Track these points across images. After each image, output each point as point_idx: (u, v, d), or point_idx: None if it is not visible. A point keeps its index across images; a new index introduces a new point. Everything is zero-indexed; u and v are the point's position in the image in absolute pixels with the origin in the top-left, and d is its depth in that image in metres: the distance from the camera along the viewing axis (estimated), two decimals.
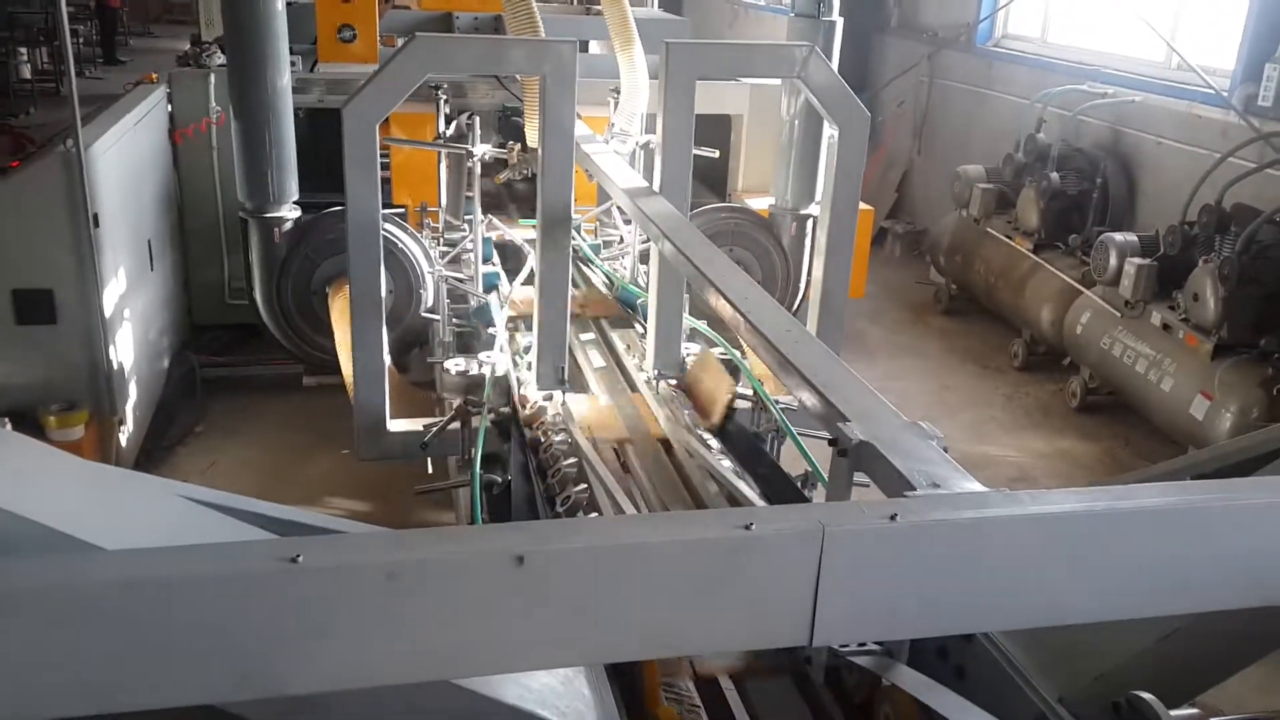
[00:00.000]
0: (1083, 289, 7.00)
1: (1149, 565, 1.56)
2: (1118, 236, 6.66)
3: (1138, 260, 6.39)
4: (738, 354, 3.93)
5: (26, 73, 15.30)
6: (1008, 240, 7.93)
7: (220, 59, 6.40)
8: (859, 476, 1.90)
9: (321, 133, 6.29)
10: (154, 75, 6.75)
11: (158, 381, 6.10)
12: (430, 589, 1.32)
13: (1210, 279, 5.85)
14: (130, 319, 5.47)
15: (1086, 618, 1.60)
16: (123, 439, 5.27)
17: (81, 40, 18.23)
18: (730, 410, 3.45)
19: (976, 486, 1.69)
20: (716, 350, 4.02)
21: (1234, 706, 2.12)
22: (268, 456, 5.84)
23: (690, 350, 4.01)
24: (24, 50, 15.41)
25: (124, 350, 5.34)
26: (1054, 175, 7.60)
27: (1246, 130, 6.44)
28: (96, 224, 4.90)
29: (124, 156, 5.51)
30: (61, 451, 1.69)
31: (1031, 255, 7.66)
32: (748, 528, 1.39)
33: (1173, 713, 1.56)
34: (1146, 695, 1.59)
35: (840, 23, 5.22)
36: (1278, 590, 1.61)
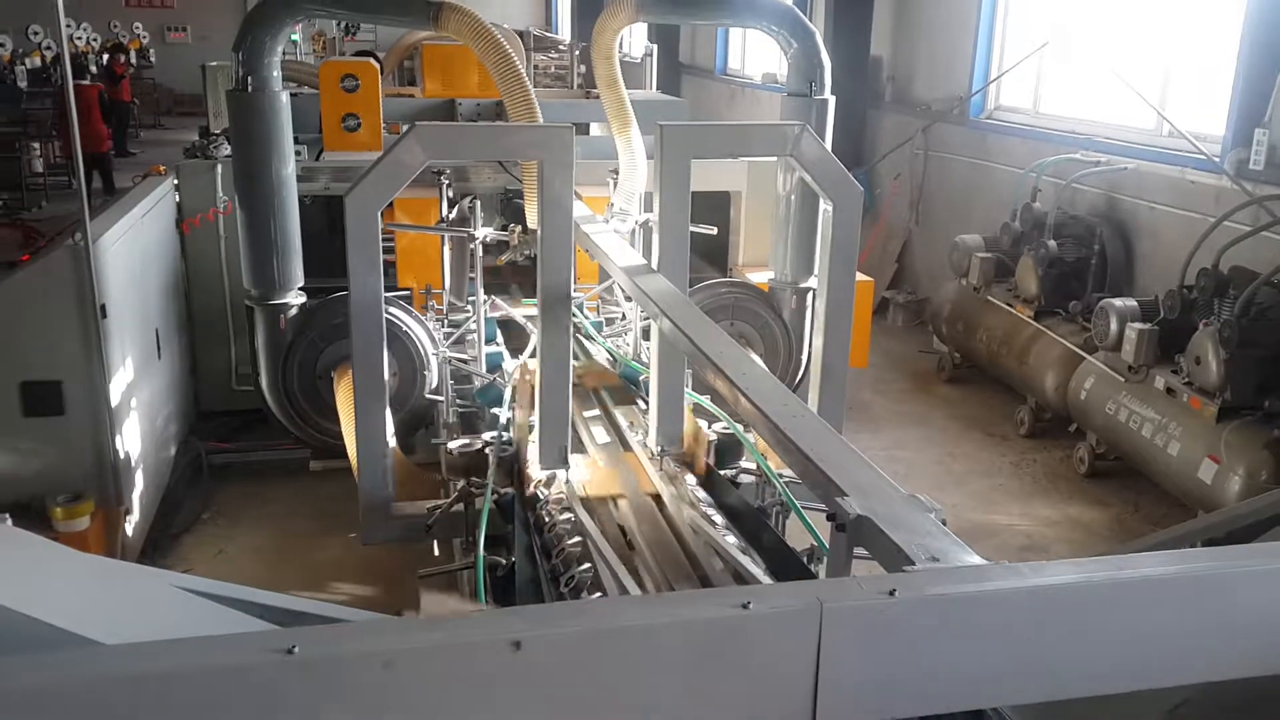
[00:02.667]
0: (1085, 355, 7.01)
1: (1154, 635, 1.55)
2: (1117, 302, 6.69)
3: (1138, 325, 6.41)
4: (739, 428, 3.93)
5: (39, 166, 15.58)
6: (1008, 308, 7.97)
7: (227, 150, 6.53)
8: (862, 549, 1.89)
9: (332, 217, 6.38)
10: (162, 167, 6.88)
11: (164, 469, 6.11)
12: (427, 677, 1.31)
13: (1211, 342, 5.86)
14: (137, 408, 5.51)
15: (1093, 690, 1.58)
16: (129, 529, 5.26)
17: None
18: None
19: (976, 560, 1.68)
20: (719, 425, 4.03)
21: None
22: (275, 542, 5.82)
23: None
24: (36, 145, 15.71)
25: (130, 439, 5.37)
26: (1051, 243, 7.67)
27: (1239, 194, 6.51)
28: (104, 315, 4.96)
29: (132, 247, 5.60)
30: (59, 545, 1.69)
31: (1033, 322, 7.69)
32: (745, 606, 1.39)
33: None
34: None
35: (832, 100, 5.32)
36: None
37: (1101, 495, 6.73)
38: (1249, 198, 6.41)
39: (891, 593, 1.44)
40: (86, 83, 15.77)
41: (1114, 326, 6.58)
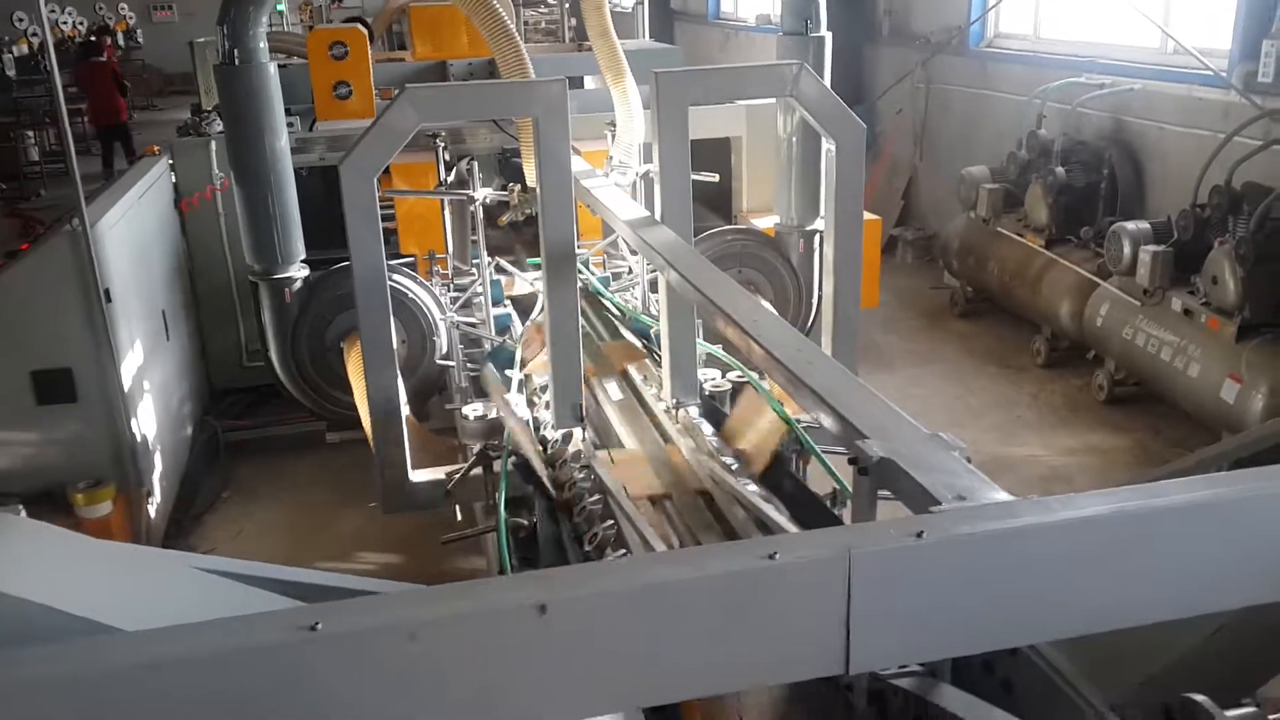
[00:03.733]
0: (1099, 280, 6.94)
1: (1188, 563, 1.52)
2: (1130, 225, 6.61)
3: (1152, 248, 6.34)
4: (754, 374, 3.89)
5: (35, 155, 15.52)
6: (1019, 238, 7.89)
7: (220, 126, 6.47)
8: (885, 492, 1.86)
9: (330, 188, 6.32)
10: (155, 148, 6.82)
11: (182, 450, 6.12)
12: (453, 646, 1.29)
13: (1227, 260, 5.78)
14: (150, 390, 5.50)
15: (1128, 621, 1.56)
16: (151, 511, 5.29)
17: (85, 119, 18.49)
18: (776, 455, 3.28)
19: (1003, 496, 1.65)
20: (732, 374, 3.99)
21: None
22: (296, 516, 5.84)
23: (708, 377, 3.99)
24: (31, 133, 15.64)
25: (146, 422, 5.37)
26: (1059, 170, 7.56)
27: (1249, 109, 6.40)
28: (109, 299, 4.94)
29: (131, 230, 5.57)
30: (75, 533, 1.68)
31: (1044, 251, 7.61)
32: (772, 557, 1.36)
33: (1228, 713, 1.51)
34: (1199, 697, 1.54)
35: (829, 37, 5.22)
36: None
37: (1122, 422, 6.69)
38: (1259, 111, 6.29)
39: (919, 535, 1.41)
40: (102, 59, 15.93)
41: (1127, 250, 6.50)
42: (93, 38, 19.23)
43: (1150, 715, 1.68)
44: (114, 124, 15.45)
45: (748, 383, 3.78)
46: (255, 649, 1.25)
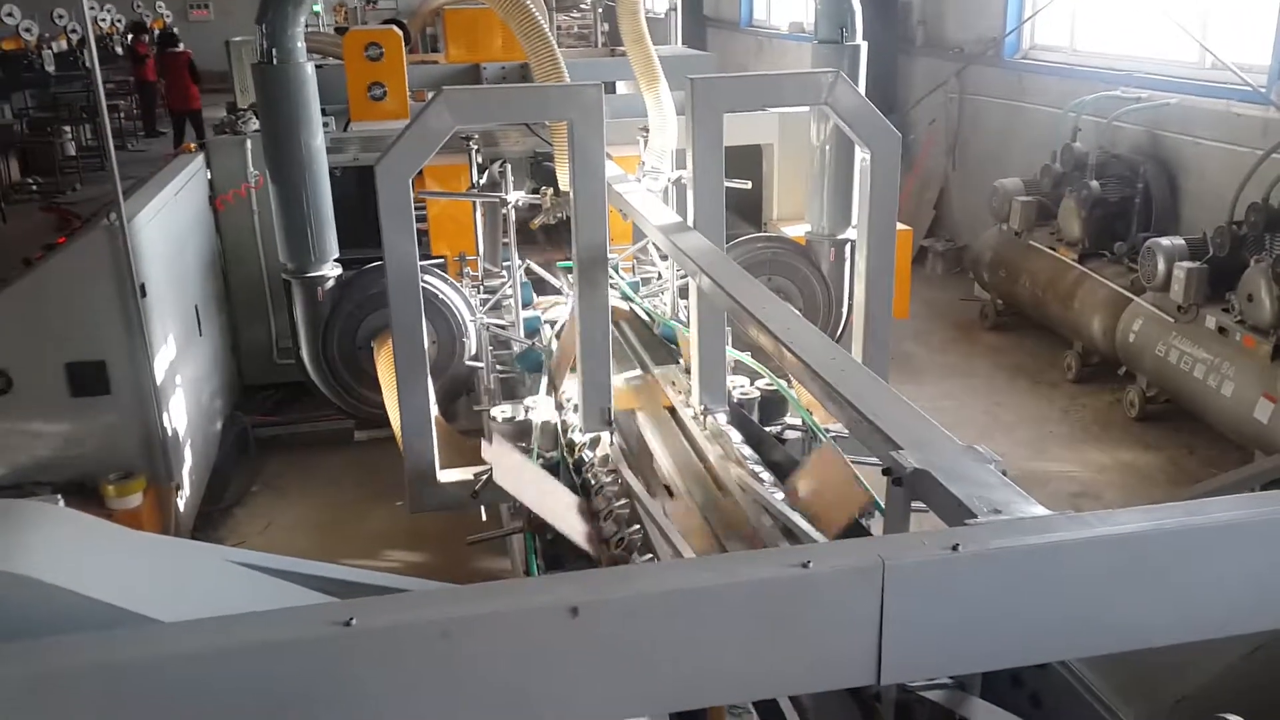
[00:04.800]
0: (1133, 296, 6.88)
1: (1226, 582, 1.51)
2: (1164, 241, 6.54)
3: (1187, 264, 6.27)
4: (783, 383, 3.89)
5: (72, 150, 15.71)
6: (1051, 251, 7.83)
7: (255, 125, 6.52)
8: (917, 503, 1.85)
9: (364, 188, 6.36)
10: (192, 145, 6.89)
11: (212, 444, 6.17)
12: (486, 645, 1.30)
13: (1264, 278, 5.72)
14: (182, 384, 5.56)
15: (1163, 640, 1.54)
16: (180, 504, 5.33)
17: (123, 115, 18.71)
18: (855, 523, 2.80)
19: (1040, 510, 1.64)
20: (761, 381, 3.98)
21: None
22: (324, 513, 5.88)
23: (737, 384, 3.98)
24: (68, 128, 15.84)
25: (177, 416, 5.42)
26: (1094, 183, 7.50)
27: None
28: (144, 293, 5.00)
29: (167, 226, 5.62)
30: (111, 524, 1.69)
31: (1077, 265, 7.55)
32: (805, 566, 1.36)
33: None
34: (1233, 718, 1.52)
35: (864, 46, 5.20)
36: None
37: (1154, 439, 6.62)
38: None
39: (954, 547, 1.40)
40: (179, 50, 17.12)
41: (1161, 266, 6.44)
42: (129, 35, 19.54)
43: None
44: (187, 109, 16.74)
45: (826, 446, 3.37)
46: (291, 643, 1.26)
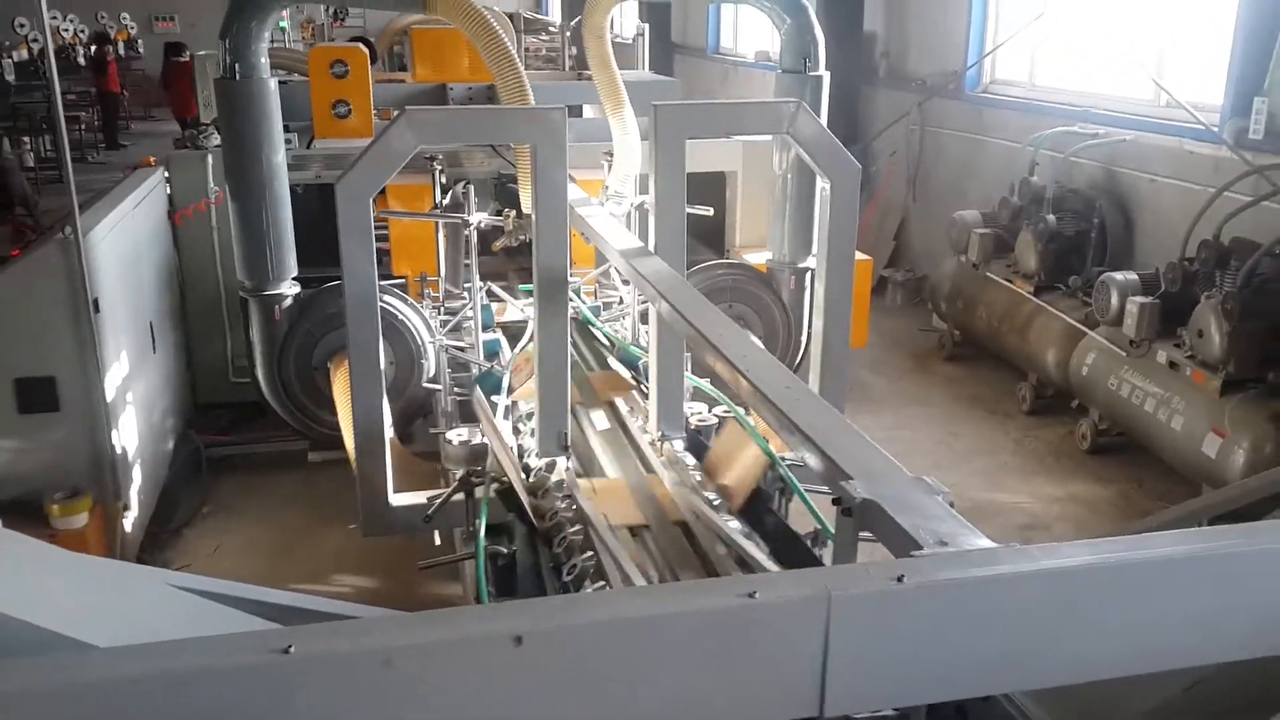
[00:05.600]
0: (1086, 330, 6.98)
1: (1167, 616, 1.52)
2: (1118, 276, 6.65)
3: (1140, 299, 6.38)
4: (741, 410, 3.90)
5: (30, 161, 15.50)
6: (1008, 284, 7.93)
7: (217, 140, 6.47)
8: (868, 533, 1.86)
9: (325, 206, 6.33)
10: (152, 159, 6.83)
11: (162, 464, 6.08)
12: (427, 674, 1.28)
13: (1214, 315, 5.82)
14: (133, 402, 5.47)
15: (1105, 674, 1.56)
16: (127, 525, 5.24)
17: (83, 127, 18.51)
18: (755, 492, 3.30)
19: (985, 543, 1.65)
20: (719, 408, 3.99)
21: None
22: (274, 535, 5.80)
23: (695, 410, 3.99)
24: (27, 139, 15.63)
25: (127, 434, 5.33)
26: (1050, 217, 7.62)
27: (1239, 164, 6.47)
28: (97, 309, 4.92)
29: (123, 240, 5.55)
30: (51, 546, 1.66)
31: (1033, 298, 7.66)
32: (751, 596, 1.36)
33: None
34: None
35: (827, 77, 5.27)
36: None
37: (1105, 472, 6.71)
38: (1249, 167, 6.36)
39: (900, 579, 1.41)
40: (185, 59, 17.55)
41: (1115, 301, 6.54)
42: (92, 46, 19.38)
43: None
44: (191, 116, 16.96)
45: (731, 416, 3.77)
46: (227, 670, 1.23)
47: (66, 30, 23.72)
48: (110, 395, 5.05)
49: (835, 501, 1.84)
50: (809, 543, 3.07)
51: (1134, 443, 6.64)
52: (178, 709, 1.22)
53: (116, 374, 5.20)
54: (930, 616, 1.43)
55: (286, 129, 5.23)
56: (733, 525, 3.03)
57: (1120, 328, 6.51)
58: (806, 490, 3.29)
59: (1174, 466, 6.21)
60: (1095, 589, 1.48)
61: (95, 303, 4.89)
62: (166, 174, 6.63)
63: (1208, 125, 6.87)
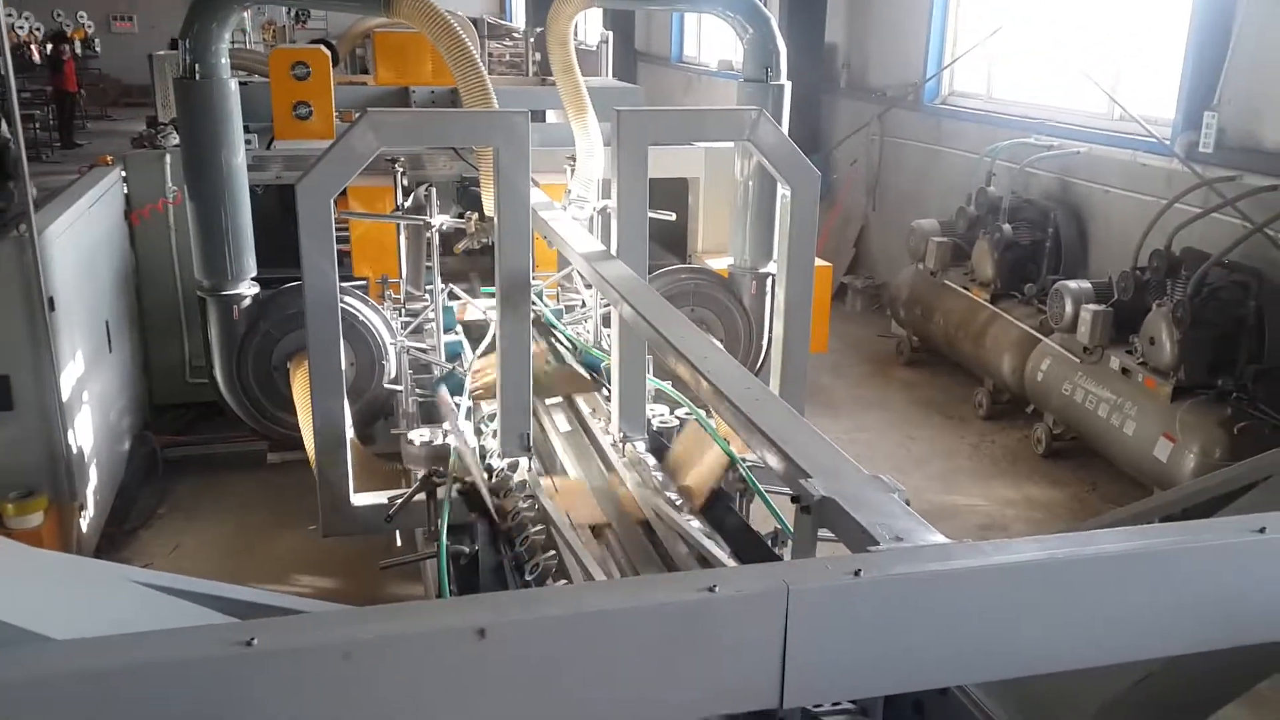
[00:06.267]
0: (1041, 337, 7.09)
1: (1116, 611, 1.56)
2: (1072, 284, 6.77)
3: (1093, 307, 6.49)
4: (702, 413, 3.92)
5: None
6: (965, 291, 8.04)
7: (176, 139, 6.41)
8: (827, 532, 1.89)
9: (285, 207, 6.29)
10: (109, 158, 6.74)
11: (118, 464, 6.00)
12: (389, 667, 1.28)
13: (1165, 322, 5.94)
14: (89, 402, 5.40)
15: (1056, 666, 1.59)
16: (84, 524, 5.17)
17: (39, 125, 18.21)
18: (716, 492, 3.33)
19: (939, 539, 1.69)
20: (681, 410, 4.02)
21: None
22: (233, 536, 5.75)
23: (656, 412, 4.01)
24: None
25: (83, 434, 5.26)
26: (1006, 227, 7.74)
27: (1190, 177, 6.61)
28: (52, 307, 4.86)
29: (79, 239, 5.49)
30: (9, 540, 1.64)
31: (989, 305, 7.77)
32: (711, 590, 1.38)
33: None
34: None
35: (788, 86, 5.32)
36: (1247, 630, 1.61)
37: (1059, 475, 6.82)
38: (1199, 180, 6.50)
39: (856, 573, 1.43)
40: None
41: (1069, 308, 6.65)
42: (48, 45, 19.08)
43: None
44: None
45: (693, 418, 3.80)
46: (188, 662, 1.23)
47: (21, 28, 23.34)
48: (66, 394, 4.99)
49: (794, 499, 1.87)
50: (769, 542, 3.10)
51: (1087, 447, 6.75)
52: (137, 702, 1.21)
53: (72, 373, 5.14)
54: (887, 610, 1.45)
55: (246, 130, 5.19)
56: (694, 525, 3.05)
57: (1074, 335, 6.62)
58: (766, 490, 3.33)
59: (1126, 470, 6.33)
60: (1046, 584, 1.52)
61: (50, 301, 4.83)
62: (124, 173, 6.55)
63: (1160, 139, 7.01)
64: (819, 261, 5.24)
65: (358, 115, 3.38)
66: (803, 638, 1.40)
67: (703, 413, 3.92)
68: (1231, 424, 5.62)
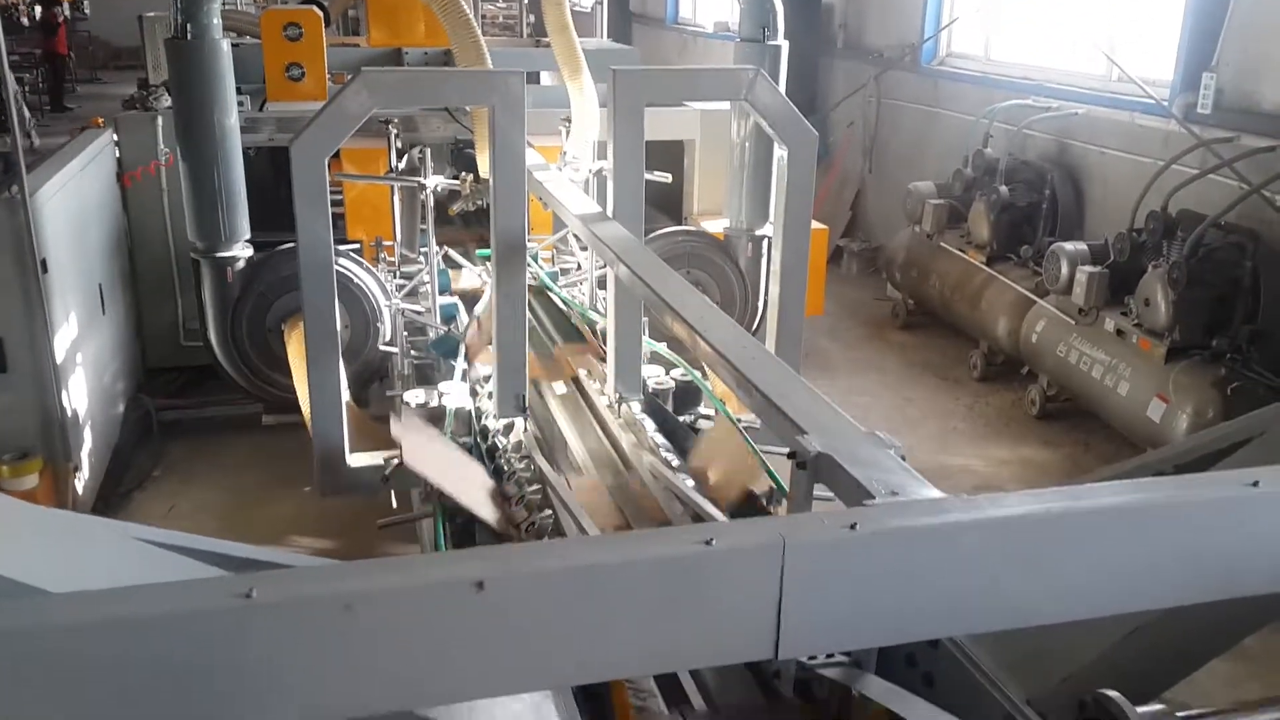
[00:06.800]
0: (1036, 299, 7.09)
1: (1108, 564, 1.57)
2: (1068, 246, 6.76)
3: (1089, 268, 6.49)
4: (698, 374, 3.93)
5: None
6: (961, 254, 8.03)
7: (167, 101, 6.36)
8: (821, 491, 1.90)
9: (278, 170, 6.25)
10: (100, 119, 6.69)
11: (113, 427, 6.00)
12: (389, 619, 1.29)
13: (1160, 284, 5.95)
14: (83, 364, 5.40)
15: (1049, 619, 1.61)
16: (79, 486, 5.18)
17: (28, 88, 18.05)
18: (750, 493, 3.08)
19: (935, 493, 1.70)
20: (676, 371, 4.02)
21: (1201, 701, 2.13)
22: (228, 498, 5.76)
23: (652, 374, 4.01)
24: None
25: (77, 396, 5.26)
26: (1003, 189, 7.71)
27: (1187, 138, 6.58)
28: (45, 269, 4.84)
29: (71, 201, 5.46)
30: (8, 497, 1.65)
31: (985, 268, 7.76)
32: (708, 543, 1.38)
33: (1139, 709, 1.56)
34: (1112, 693, 1.59)
35: (785, 46, 5.28)
36: (1237, 583, 1.63)
37: (1052, 436, 6.85)
38: (1196, 141, 6.48)
39: (852, 526, 1.44)
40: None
41: (1065, 270, 6.65)
42: (38, 7, 18.86)
43: (1065, 710, 1.73)
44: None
45: (719, 413, 3.68)
46: (186, 614, 1.23)
47: None
48: (59, 356, 4.98)
49: (791, 455, 1.87)
50: (764, 501, 3.12)
51: (1081, 408, 6.78)
52: (135, 654, 1.21)
53: (65, 335, 5.13)
54: (881, 563, 1.46)
55: (238, 92, 5.14)
56: (689, 484, 3.06)
57: (1070, 296, 6.62)
58: (762, 451, 3.33)
59: (1120, 431, 6.35)
60: (1039, 537, 1.53)
61: (43, 263, 4.81)
62: (115, 136, 6.50)
63: (1158, 100, 6.98)
64: (815, 224, 5.24)
65: (350, 76, 3.35)
66: (798, 590, 1.41)
67: (699, 374, 3.93)
68: (1225, 385, 5.64)
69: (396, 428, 3.22)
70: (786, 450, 1.98)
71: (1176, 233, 6.05)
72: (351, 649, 1.28)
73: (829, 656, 1.91)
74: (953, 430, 6.93)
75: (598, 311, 4.70)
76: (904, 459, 1.84)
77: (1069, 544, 1.54)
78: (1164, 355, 5.93)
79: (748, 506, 3.07)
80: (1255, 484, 1.56)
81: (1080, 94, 7.98)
